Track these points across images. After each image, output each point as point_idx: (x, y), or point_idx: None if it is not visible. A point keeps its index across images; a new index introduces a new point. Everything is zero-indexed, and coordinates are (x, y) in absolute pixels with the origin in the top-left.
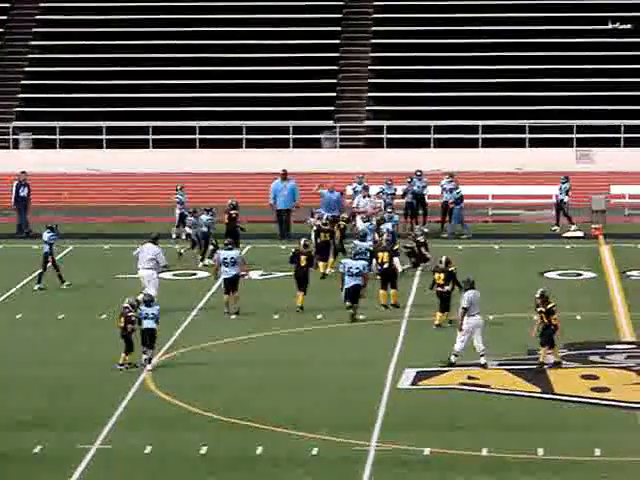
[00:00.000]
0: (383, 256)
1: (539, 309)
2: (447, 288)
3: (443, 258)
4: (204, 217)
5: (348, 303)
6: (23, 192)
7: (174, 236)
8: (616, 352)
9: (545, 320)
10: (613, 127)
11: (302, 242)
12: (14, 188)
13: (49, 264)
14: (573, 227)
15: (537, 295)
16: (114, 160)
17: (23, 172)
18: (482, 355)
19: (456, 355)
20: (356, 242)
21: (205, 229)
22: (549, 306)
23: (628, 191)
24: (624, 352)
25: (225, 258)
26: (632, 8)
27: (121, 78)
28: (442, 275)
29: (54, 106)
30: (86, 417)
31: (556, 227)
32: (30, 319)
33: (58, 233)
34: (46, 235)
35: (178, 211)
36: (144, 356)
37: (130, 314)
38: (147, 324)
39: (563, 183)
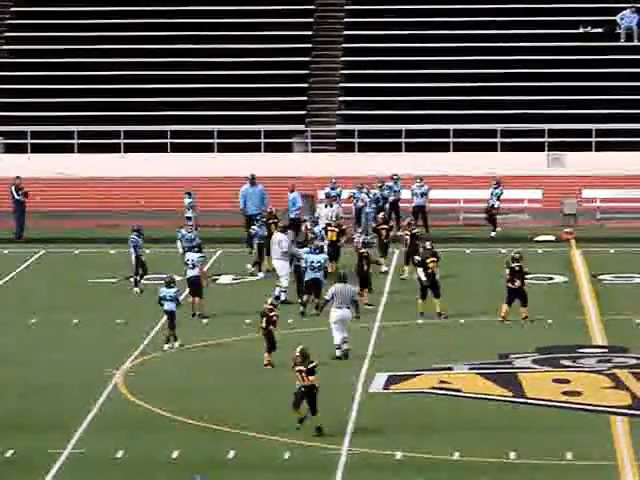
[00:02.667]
0: (434, 265)
1: (297, 368)
2: (516, 284)
3: (512, 254)
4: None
5: (305, 298)
6: (20, 196)
7: None
8: (587, 356)
9: (306, 381)
10: (584, 131)
11: (360, 240)
12: (13, 192)
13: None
14: (493, 233)
15: (297, 352)
16: (85, 165)
17: (18, 177)
18: (345, 342)
19: (338, 348)
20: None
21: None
22: (311, 365)
23: (599, 195)
24: (595, 356)
25: (187, 260)
26: (603, 12)
27: (92, 82)
28: (507, 271)
29: (25, 111)
30: (58, 421)
31: (494, 232)
32: (1, 322)
33: (142, 235)
34: (132, 238)
35: (191, 214)
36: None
37: (272, 314)
38: (168, 306)
39: (495, 189)
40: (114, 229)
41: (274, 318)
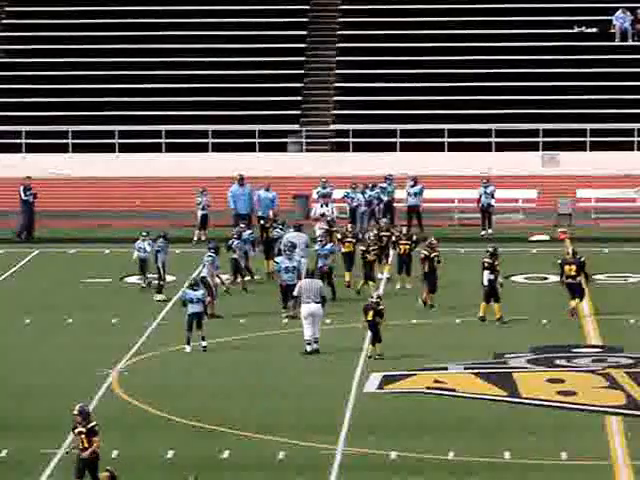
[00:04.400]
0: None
1: (78, 429)
2: (579, 279)
3: (570, 250)
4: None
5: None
6: (28, 197)
7: (195, 239)
8: (582, 356)
9: (85, 444)
10: (579, 131)
11: (428, 243)
12: (21, 192)
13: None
14: (490, 231)
15: (75, 412)
16: (80, 164)
17: (28, 177)
18: (315, 342)
19: (309, 343)
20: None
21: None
22: (91, 425)
23: (594, 194)
24: (590, 356)
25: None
26: (597, 12)
27: (87, 82)
28: (573, 267)
29: (20, 110)
30: (52, 421)
31: (484, 231)
32: None
33: (168, 240)
34: (159, 243)
35: (200, 213)
36: (199, 334)
37: (380, 307)
38: (193, 308)
39: (486, 187)
40: (109, 229)
41: (382, 311)
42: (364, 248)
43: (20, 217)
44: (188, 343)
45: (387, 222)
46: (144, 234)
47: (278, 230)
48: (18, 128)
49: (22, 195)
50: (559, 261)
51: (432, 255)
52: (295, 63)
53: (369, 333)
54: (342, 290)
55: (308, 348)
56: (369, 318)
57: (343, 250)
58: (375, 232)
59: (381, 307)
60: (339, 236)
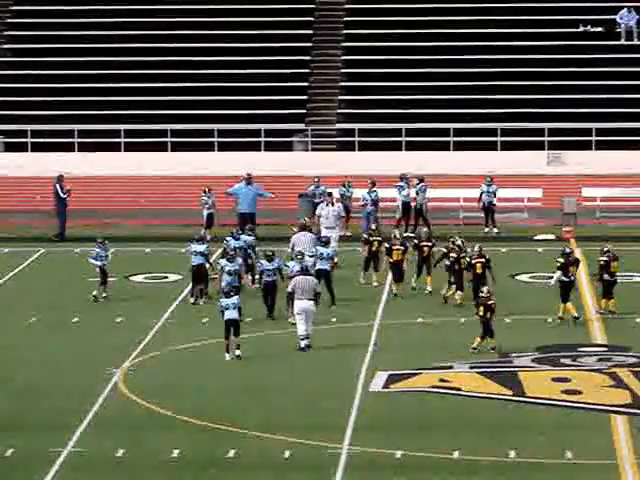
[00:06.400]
0: (574, 270)
1: None
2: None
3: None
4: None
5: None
6: (64, 195)
7: None
8: (587, 355)
9: None
10: (584, 130)
11: (476, 248)
12: (59, 191)
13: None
14: (495, 230)
15: None
16: (85, 163)
17: (61, 175)
18: (307, 337)
19: (302, 339)
20: (318, 247)
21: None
22: None
23: (599, 194)
24: (595, 355)
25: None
26: (603, 11)
27: (92, 81)
28: (616, 263)
29: (25, 109)
30: (58, 420)
31: (487, 229)
32: (0, 321)
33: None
34: (199, 247)
35: (206, 212)
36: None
37: (490, 302)
38: (229, 315)
39: (489, 185)
40: (113, 228)
41: (493, 306)
42: (455, 256)
43: (59, 217)
44: (227, 351)
45: (427, 232)
46: (99, 241)
47: (245, 237)
48: (24, 127)
49: (61, 194)
50: (603, 259)
51: (484, 261)
52: (300, 62)
53: (481, 327)
54: (344, 290)
55: (302, 344)
56: (481, 313)
57: (391, 260)
58: (415, 242)
59: (491, 302)
60: (387, 245)
